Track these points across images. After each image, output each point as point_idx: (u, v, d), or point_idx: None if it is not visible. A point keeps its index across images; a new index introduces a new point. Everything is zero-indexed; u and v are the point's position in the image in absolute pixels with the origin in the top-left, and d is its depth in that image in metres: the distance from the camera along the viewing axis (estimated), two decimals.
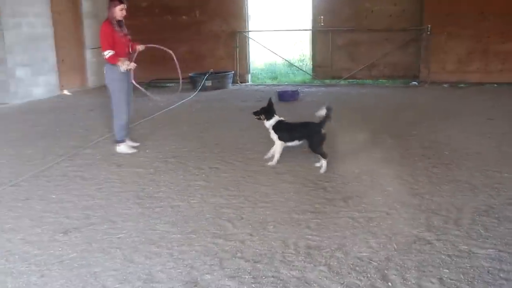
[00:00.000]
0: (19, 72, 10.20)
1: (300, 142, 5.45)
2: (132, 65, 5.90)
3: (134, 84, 6.15)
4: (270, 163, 5.51)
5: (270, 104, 5.57)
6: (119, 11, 5.80)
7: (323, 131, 5.30)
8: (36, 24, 10.57)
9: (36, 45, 10.58)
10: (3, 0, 9.62)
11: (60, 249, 3.62)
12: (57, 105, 10.07)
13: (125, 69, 5.85)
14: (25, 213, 4.33)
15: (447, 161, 5.53)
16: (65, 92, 11.57)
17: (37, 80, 10.70)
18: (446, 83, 11.51)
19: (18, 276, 3.25)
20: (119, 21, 5.88)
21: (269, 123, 5.51)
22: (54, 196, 4.72)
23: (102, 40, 5.82)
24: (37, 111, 9.35)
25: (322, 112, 5.25)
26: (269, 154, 5.65)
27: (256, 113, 5.63)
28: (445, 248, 3.48)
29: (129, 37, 6.04)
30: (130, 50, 6.08)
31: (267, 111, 5.54)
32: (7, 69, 9.91)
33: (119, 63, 5.76)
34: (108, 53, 5.73)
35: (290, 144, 5.49)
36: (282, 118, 5.55)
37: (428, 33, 11.45)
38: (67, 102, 10.50)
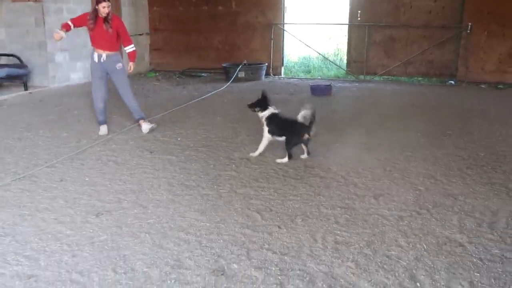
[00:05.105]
0: (58, 57, 10.44)
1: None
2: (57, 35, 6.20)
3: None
4: (251, 154, 5.57)
5: (264, 96, 5.55)
6: (102, 9, 6.13)
7: (306, 136, 5.31)
8: (77, 10, 10.75)
9: (75, 30, 10.74)
10: None
11: (91, 230, 3.70)
12: None
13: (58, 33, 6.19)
14: (59, 194, 4.44)
15: (483, 163, 5.40)
16: None
17: (75, 65, 10.93)
18: (484, 84, 11.23)
19: (51, 254, 3.35)
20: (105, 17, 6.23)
21: (262, 114, 5.52)
22: (87, 179, 4.83)
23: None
24: (74, 95, 9.55)
25: (305, 113, 5.25)
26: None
27: (250, 106, 5.62)
28: (477, 252, 3.40)
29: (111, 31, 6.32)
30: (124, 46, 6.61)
31: (262, 103, 5.54)
32: (47, 54, 10.16)
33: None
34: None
35: (278, 138, 5.50)
36: (277, 111, 5.52)
37: (468, 31, 11.18)
38: None
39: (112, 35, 6.29)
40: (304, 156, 5.44)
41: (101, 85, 6.50)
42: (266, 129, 5.50)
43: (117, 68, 6.44)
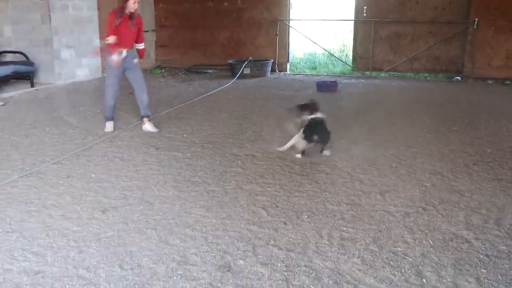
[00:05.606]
0: (64, 54, 10.45)
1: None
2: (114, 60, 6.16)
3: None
4: (279, 148, 5.61)
5: (314, 103, 5.55)
6: (132, 4, 6.01)
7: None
8: (82, 6, 10.78)
9: (81, 27, 10.80)
10: None
11: (98, 227, 3.72)
12: (99, 87, 10.25)
13: (117, 60, 6.12)
14: (66, 190, 4.46)
15: (489, 159, 5.38)
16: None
17: (81, 62, 10.95)
18: (491, 79, 11.15)
19: (58, 250, 3.36)
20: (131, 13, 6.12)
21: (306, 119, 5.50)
22: (93, 175, 4.85)
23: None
24: (79, 92, 9.58)
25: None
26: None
27: (301, 107, 5.55)
28: (483, 248, 3.39)
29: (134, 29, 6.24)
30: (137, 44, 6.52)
31: (312, 109, 5.48)
32: (53, 50, 10.18)
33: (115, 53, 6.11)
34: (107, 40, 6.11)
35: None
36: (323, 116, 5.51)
37: (475, 27, 11.10)
38: None
39: (134, 32, 6.24)
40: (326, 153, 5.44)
41: (115, 83, 6.48)
42: (301, 130, 5.47)
43: (134, 63, 6.42)
